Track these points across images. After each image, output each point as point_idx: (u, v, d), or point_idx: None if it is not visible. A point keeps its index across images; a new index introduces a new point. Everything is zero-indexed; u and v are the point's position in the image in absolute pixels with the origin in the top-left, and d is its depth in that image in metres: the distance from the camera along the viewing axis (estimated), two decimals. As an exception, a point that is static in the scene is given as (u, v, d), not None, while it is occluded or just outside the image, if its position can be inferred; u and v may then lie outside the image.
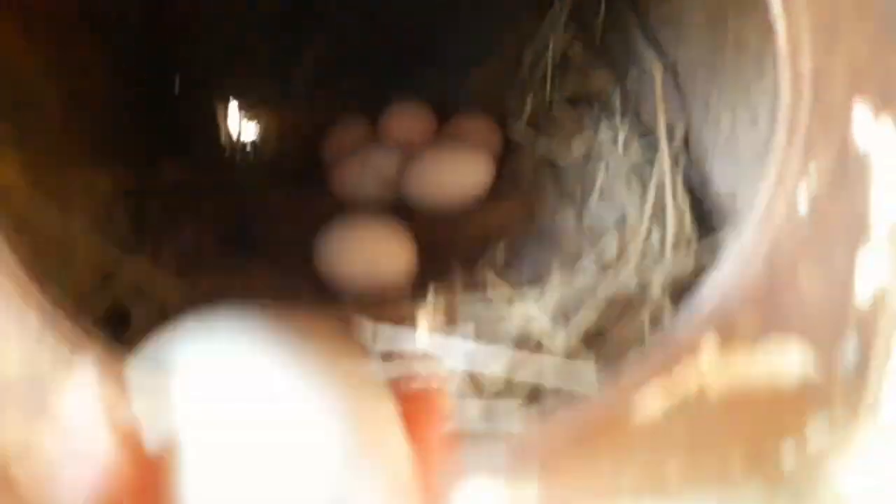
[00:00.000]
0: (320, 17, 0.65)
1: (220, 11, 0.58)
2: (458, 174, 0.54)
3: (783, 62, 0.26)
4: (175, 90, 0.55)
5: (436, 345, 0.31)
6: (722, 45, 0.41)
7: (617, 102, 0.52)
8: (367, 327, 0.36)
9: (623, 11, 0.51)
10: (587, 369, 0.32)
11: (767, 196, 0.28)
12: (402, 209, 0.52)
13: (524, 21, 0.60)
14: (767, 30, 0.36)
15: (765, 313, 0.29)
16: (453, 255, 0.47)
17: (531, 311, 0.35)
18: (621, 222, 0.48)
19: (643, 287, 0.38)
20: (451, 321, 0.30)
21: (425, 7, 0.63)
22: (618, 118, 0.51)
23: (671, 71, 0.47)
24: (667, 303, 0.35)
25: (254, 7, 0.61)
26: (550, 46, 0.57)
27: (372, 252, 0.44)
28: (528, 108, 0.56)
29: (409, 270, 0.44)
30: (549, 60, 0.56)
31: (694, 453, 0.33)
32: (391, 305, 0.37)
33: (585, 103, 0.55)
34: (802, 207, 0.28)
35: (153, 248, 0.39)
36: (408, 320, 0.34)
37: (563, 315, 0.37)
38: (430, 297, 0.29)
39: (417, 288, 0.42)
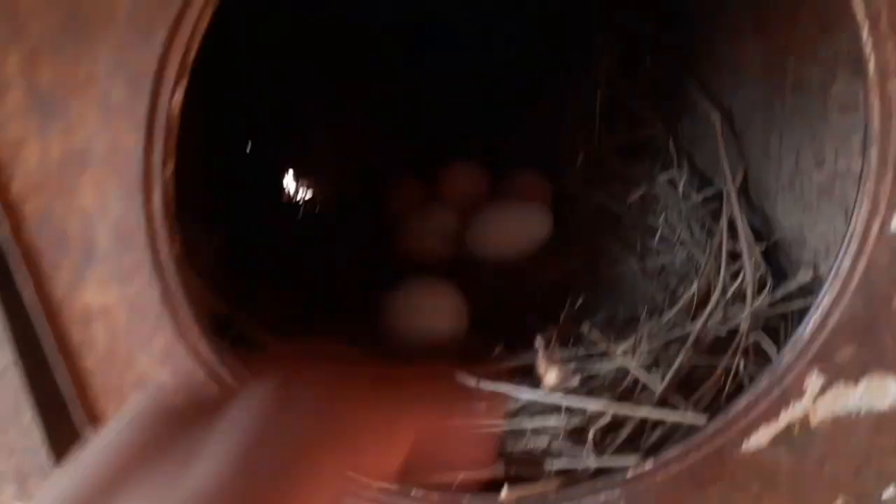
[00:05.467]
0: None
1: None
2: (516, 228, 0.56)
3: (872, 87, 0.27)
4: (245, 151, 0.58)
5: (548, 396, 0.32)
6: (780, 86, 0.43)
7: (671, 149, 0.54)
8: (470, 380, 0.37)
9: (673, 58, 0.53)
10: (688, 413, 0.33)
11: (861, 227, 0.29)
12: (463, 265, 0.54)
13: (572, 73, 0.62)
14: (829, 67, 0.38)
15: (864, 349, 0.30)
16: (522, 308, 0.48)
17: (628, 361, 0.35)
18: (687, 267, 0.49)
19: (729, 332, 0.38)
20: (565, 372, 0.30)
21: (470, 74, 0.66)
22: (675, 164, 0.53)
23: (727, 116, 0.48)
24: (762, 340, 0.36)
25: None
26: (598, 96, 0.59)
27: (429, 310, 0.45)
28: (581, 158, 0.58)
29: (462, 328, 0.45)
30: (598, 110, 0.57)
31: (797, 491, 0.33)
32: (488, 363, 0.37)
33: (638, 151, 0.57)
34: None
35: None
36: (505, 376, 0.35)
37: (656, 363, 0.37)
38: (542, 350, 0.30)
39: (482, 343, 0.43)
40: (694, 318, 0.40)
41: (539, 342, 0.31)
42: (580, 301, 0.45)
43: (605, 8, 0.58)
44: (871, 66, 0.25)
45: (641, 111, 0.57)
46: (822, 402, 0.30)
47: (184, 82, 0.25)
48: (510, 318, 0.48)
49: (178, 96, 0.25)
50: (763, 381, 0.31)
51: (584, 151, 0.59)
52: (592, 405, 0.32)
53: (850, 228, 0.28)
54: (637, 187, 0.55)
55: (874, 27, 0.24)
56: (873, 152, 0.26)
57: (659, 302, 0.46)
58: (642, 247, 0.53)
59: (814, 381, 0.30)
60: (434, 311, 0.43)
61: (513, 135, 0.65)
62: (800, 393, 0.30)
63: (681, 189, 0.52)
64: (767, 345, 0.36)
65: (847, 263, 0.29)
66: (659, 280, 0.50)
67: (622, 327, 0.45)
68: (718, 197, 0.50)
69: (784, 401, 0.30)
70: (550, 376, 0.29)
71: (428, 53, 0.66)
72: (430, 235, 0.56)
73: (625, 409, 0.32)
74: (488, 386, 0.32)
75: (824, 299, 0.29)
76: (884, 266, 0.29)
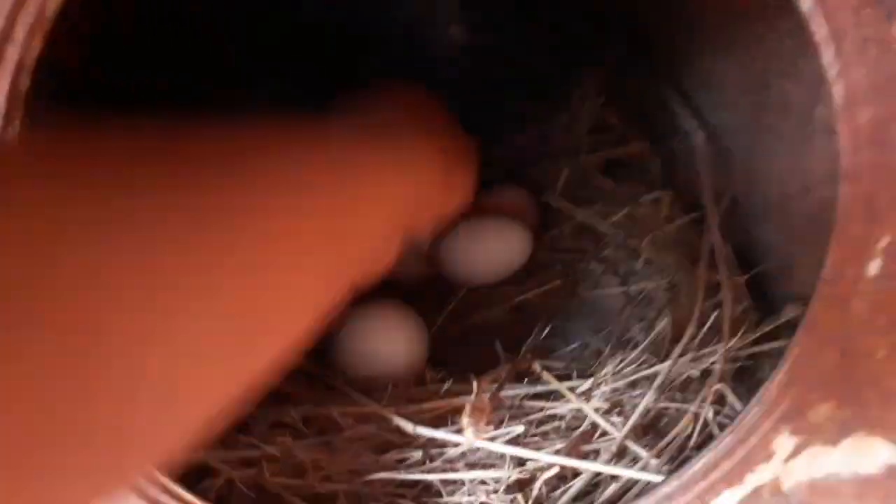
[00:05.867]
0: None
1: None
2: (495, 247, 0.53)
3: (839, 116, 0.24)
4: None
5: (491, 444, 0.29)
6: (764, 107, 0.40)
7: (657, 168, 0.50)
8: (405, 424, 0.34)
9: (659, 77, 0.50)
10: (645, 471, 0.30)
11: (835, 271, 0.26)
12: (433, 287, 0.51)
13: (554, 89, 0.59)
14: (813, 88, 0.35)
15: (844, 408, 0.26)
16: (494, 334, 0.45)
17: (583, 404, 0.32)
18: (671, 291, 0.45)
19: (704, 371, 0.35)
20: (494, 420, 0.27)
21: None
22: (659, 185, 0.50)
23: (712, 136, 0.45)
24: (730, 388, 0.33)
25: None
26: (583, 112, 0.56)
27: (382, 338, 0.42)
28: (564, 176, 0.55)
29: (419, 357, 0.42)
30: (583, 127, 0.54)
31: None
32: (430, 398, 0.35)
33: (624, 169, 0.53)
34: (874, 274, 0.26)
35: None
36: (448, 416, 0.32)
37: (618, 404, 0.34)
38: (475, 393, 0.27)
39: (457, 373, 0.40)
40: (667, 354, 0.37)
41: (475, 385, 0.28)
42: (548, 329, 0.42)
43: (587, 32, 0.55)
44: (838, 93, 0.22)
45: (628, 128, 0.54)
46: (795, 463, 0.27)
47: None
48: (476, 345, 0.45)
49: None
50: (726, 439, 0.27)
51: (570, 169, 0.56)
52: (538, 456, 0.29)
53: (823, 272, 0.25)
54: (621, 207, 0.52)
55: (839, 50, 0.21)
56: (845, 188, 0.23)
57: (635, 333, 0.43)
58: (627, 270, 0.50)
59: (784, 442, 0.26)
60: (388, 338, 0.40)
61: (497, 151, 0.62)
62: (767, 455, 0.27)
63: (664, 211, 0.48)
64: (741, 392, 0.32)
65: (819, 311, 0.25)
66: (639, 308, 0.46)
67: (593, 359, 0.42)
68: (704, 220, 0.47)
69: (749, 462, 0.27)
70: (467, 430, 0.25)
71: (407, 62, 0.63)
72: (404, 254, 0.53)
73: (573, 462, 0.29)
74: (424, 431, 0.29)
75: (794, 350, 0.26)
76: (863, 315, 0.25)
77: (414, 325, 0.42)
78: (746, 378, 0.37)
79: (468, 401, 0.27)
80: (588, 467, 0.30)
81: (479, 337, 0.46)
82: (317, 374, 0.39)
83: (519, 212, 0.55)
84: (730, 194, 0.44)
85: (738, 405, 0.31)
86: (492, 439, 0.30)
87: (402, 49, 0.61)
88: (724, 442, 0.28)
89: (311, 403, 0.36)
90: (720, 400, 0.34)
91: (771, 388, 0.26)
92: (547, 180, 0.57)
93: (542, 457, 0.29)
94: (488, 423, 0.29)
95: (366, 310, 0.41)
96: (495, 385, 0.31)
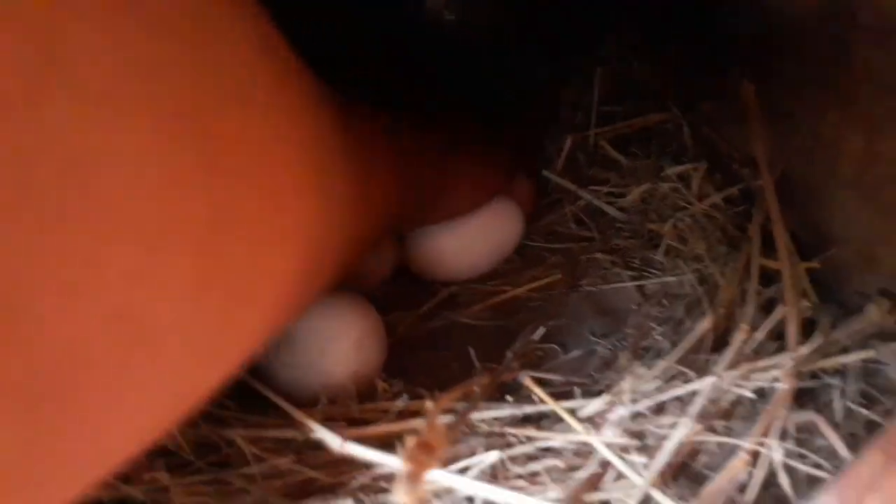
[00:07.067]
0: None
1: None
2: (477, 233, 0.42)
3: None
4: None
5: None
6: (843, 40, 0.30)
7: (686, 135, 0.40)
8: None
9: (690, 18, 0.40)
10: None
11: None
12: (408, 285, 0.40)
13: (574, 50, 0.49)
14: None
15: None
16: (472, 339, 0.35)
17: (591, 435, 0.22)
18: (700, 292, 0.35)
19: (758, 390, 0.25)
20: (444, 456, 0.17)
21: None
22: (689, 155, 0.40)
23: (763, 90, 0.35)
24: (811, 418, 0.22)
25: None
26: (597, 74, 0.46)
27: (327, 338, 0.31)
28: (567, 146, 0.45)
29: (375, 365, 0.31)
30: (596, 86, 0.44)
31: None
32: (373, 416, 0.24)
33: (644, 138, 0.44)
34: None
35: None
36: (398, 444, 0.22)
37: (639, 435, 0.24)
38: (428, 419, 0.17)
39: (420, 386, 0.30)
40: (706, 367, 0.27)
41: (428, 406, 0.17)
42: (541, 332, 0.32)
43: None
44: None
45: (649, 88, 0.44)
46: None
47: None
48: (447, 351, 0.35)
49: None
50: (818, 500, 0.17)
51: (573, 138, 0.46)
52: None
53: None
54: (639, 184, 0.42)
55: None
56: None
57: (657, 339, 0.32)
58: (642, 261, 0.40)
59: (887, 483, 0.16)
60: (331, 337, 0.30)
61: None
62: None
63: (695, 187, 0.38)
64: (822, 426, 0.22)
65: None
66: (661, 307, 0.36)
67: (600, 371, 0.31)
68: (747, 197, 0.37)
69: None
70: (399, 486, 0.15)
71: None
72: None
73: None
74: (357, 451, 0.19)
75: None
76: None
77: (367, 323, 0.32)
78: (806, 403, 0.27)
79: (416, 430, 0.17)
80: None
81: (452, 342, 0.36)
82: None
83: (515, 191, 0.45)
84: (782, 163, 0.34)
85: (837, 445, 0.20)
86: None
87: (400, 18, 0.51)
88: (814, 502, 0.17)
89: (213, 424, 0.26)
90: (785, 432, 0.24)
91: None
92: (551, 153, 0.47)
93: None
94: (442, 465, 0.18)
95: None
96: (462, 406, 0.21)
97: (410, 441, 0.16)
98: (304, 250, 0.17)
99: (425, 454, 0.15)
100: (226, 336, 0.14)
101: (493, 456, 0.22)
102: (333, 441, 0.22)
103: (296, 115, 0.16)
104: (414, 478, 0.15)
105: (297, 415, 0.24)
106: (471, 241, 0.40)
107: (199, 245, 0.13)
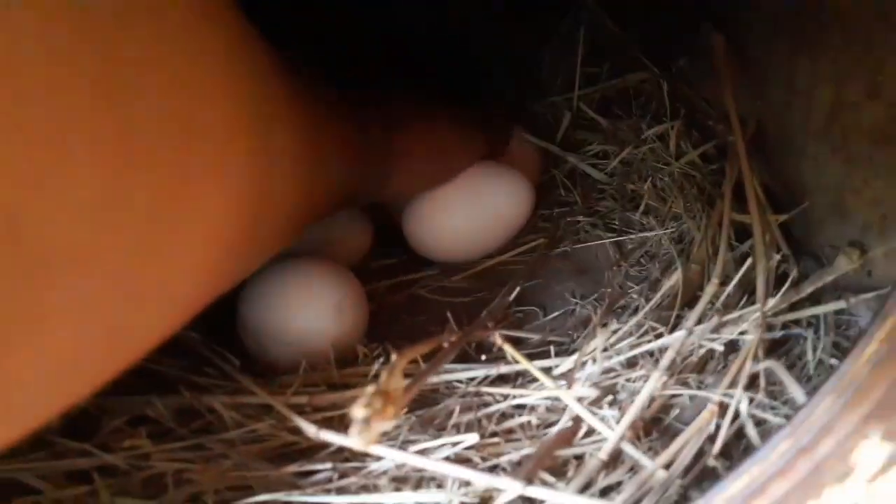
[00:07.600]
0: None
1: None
2: (484, 211, 0.40)
3: None
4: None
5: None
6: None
7: (664, 95, 0.40)
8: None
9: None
10: (655, 474, 0.20)
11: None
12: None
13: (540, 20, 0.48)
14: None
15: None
16: (454, 304, 0.36)
17: (562, 390, 0.23)
18: (679, 244, 0.36)
19: (729, 343, 0.25)
20: (398, 411, 0.17)
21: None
22: (667, 114, 0.40)
23: (736, 40, 0.35)
24: (775, 369, 0.23)
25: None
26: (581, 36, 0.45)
27: (307, 304, 0.31)
28: (566, 122, 0.44)
29: (356, 332, 0.31)
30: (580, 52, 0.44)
31: None
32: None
33: (626, 100, 0.43)
34: None
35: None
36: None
37: (610, 390, 0.25)
38: (387, 371, 0.17)
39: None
40: (676, 322, 0.28)
41: (392, 360, 0.17)
42: (517, 291, 0.32)
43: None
44: None
45: (625, 48, 0.44)
46: (885, 485, 0.17)
47: None
48: (429, 316, 0.35)
49: None
50: (777, 446, 0.17)
51: (559, 104, 0.45)
52: (492, 481, 0.20)
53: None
54: (622, 146, 0.42)
55: None
56: None
57: (633, 297, 0.33)
58: (622, 222, 0.40)
59: (871, 452, 0.17)
60: (310, 303, 0.30)
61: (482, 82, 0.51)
62: (844, 471, 0.17)
63: (672, 144, 0.38)
64: (781, 374, 0.22)
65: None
66: (640, 265, 0.37)
67: (578, 330, 0.32)
68: (722, 153, 0.37)
69: (814, 483, 0.17)
70: (354, 430, 0.15)
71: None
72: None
73: (538, 493, 0.19)
74: (331, 437, 0.20)
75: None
76: None
77: (347, 288, 0.32)
78: (780, 356, 0.27)
79: (377, 384, 0.17)
80: (557, 499, 0.20)
81: (434, 308, 0.36)
82: (207, 353, 0.29)
83: (518, 159, 0.43)
84: (756, 117, 0.34)
85: (795, 392, 0.21)
86: (423, 451, 0.20)
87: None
88: (772, 450, 0.18)
89: (194, 390, 0.26)
90: (754, 383, 0.24)
91: (856, 370, 0.16)
92: (548, 120, 0.46)
93: (499, 483, 0.20)
94: (399, 414, 0.19)
95: (282, 265, 0.31)
96: (425, 362, 0.21)
97: (369, 389, 0.16)
98: (237, 193, 0.16)
99: (382, 402, 0.15)
100: (150, 270, 0.14)
101: (472, 438, 0.22)
102: (309, 428, 0.22)
103: (224, 49, 0.15)
104: (369, 424, 0.15)
105: (275, 402, 0.24)
106: (476, 220, 0.37)
107: (104, 158, 0.12)
